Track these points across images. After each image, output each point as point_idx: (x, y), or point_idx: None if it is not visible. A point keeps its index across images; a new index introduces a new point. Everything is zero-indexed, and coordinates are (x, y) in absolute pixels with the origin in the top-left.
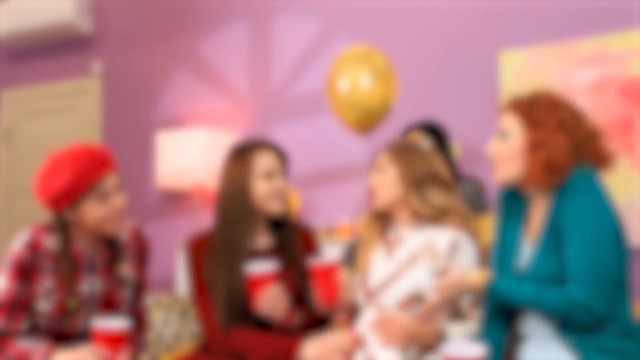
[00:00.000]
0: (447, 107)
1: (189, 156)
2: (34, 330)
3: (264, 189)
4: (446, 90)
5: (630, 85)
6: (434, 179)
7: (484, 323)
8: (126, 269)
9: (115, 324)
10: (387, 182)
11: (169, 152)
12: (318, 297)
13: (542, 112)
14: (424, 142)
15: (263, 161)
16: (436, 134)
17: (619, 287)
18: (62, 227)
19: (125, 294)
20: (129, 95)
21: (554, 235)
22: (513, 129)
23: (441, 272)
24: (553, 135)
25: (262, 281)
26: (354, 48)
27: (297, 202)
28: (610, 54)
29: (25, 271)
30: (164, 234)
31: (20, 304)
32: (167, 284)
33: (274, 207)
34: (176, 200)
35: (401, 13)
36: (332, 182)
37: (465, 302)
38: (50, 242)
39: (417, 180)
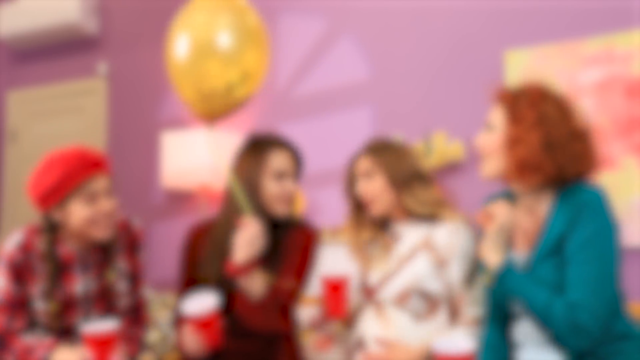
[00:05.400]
0: (452, 107)
1: (194, 156)
2: (35, 326)
3: (274, 190)
4: (451, 90)
5: (636, 85)
6: (418, 176)
7: (485, 328)
8: (120, 263)
9: (102, 326)
10: (378, 191)
11: (174, 153)
12: (325, 309)
13: (524, 106)
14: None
15: (277, 160)
16: None
17: (617, 297)
18: (50, 227)
19: (122, 286)
20: (134, 96)
21: (556, 247)
22: (498, 122)
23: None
24: (528, 132)
25: (204, 324)
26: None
27: (302, 202)
28: (615, 53)
29: (18, 273)
30: (169, 234)
31: (19, 303)
32: (173, 284)
33: (279, 209)
34: (181, 200)
35: (406, 13)
36: (338, 182)
37: (468, 312)
38: (43, 243)
39: (406, 181)
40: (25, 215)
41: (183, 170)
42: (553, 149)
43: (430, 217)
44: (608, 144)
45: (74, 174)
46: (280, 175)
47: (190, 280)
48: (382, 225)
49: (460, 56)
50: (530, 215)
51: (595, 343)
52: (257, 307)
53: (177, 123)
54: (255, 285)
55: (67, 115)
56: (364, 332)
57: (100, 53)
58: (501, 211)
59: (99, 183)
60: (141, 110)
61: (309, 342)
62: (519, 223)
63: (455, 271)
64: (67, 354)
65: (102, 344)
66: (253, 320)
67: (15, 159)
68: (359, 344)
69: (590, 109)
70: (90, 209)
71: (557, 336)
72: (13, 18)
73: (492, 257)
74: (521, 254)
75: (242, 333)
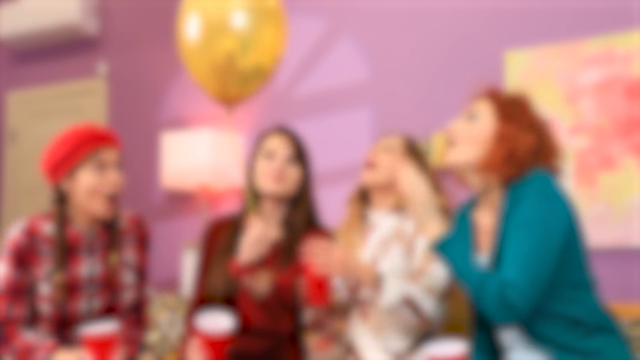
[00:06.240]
0: (452, 107)
1: (194, 157)
2: (37, 317)
3: (261, 167)
4: (451, 90)
5: (636, 85)
6: (428, 177)
7: (474, 334)
8: (127, 254)
9: (101, 328)
10: (388, 161)
11: (174, 153)
12: (308, 297)
13: (516, 109)
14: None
15: (268, 142)
16: None
17: (582, 287)
18: (60, 198)
19: (128, 278)
20: (134, 97)
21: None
22: (484, 114)
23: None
24: (521, 132)
25: (213, 344)
26: None
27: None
28: (615, 54)
29: (22, 256)
30: (169, 234)
31: (21, 290)
32: (173, 285)
33: (267, 186)
34: (181, 200)
35: (406, 13)
36: (340, 182)
37: (421, 257)
38: (48, 228)
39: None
40: (25, 214)
41: (183, 170)
42: (540, 153)
43: (402, 208)
44: (608, 144)
45: (85, 143)
46: (269, 155)
47: (207, 273)
48: (362, 214)
49: (460, 56)
50: (493, 215)
51: (524, 321)
52: (261, 306)
53: (177, 123)
54: (260, 284)
55: (67, 116)
56: (353, 337)
57: (100, 53)
58: (411, 182)
59: (109, 154)
60: (141, 110)
61: (310, 342)
62: (482, 224)
63: (420, 244)
64: (67, 356)
65: (102, 346)
66: (256, 318)
67: (15, 159)
68: (350, 349)
69: (590, 109)
70: (98, 177)
71: (486, 311)
72: (13, 18)
73: (432, 230)
74: (486, 255)
75: (246, 332)
